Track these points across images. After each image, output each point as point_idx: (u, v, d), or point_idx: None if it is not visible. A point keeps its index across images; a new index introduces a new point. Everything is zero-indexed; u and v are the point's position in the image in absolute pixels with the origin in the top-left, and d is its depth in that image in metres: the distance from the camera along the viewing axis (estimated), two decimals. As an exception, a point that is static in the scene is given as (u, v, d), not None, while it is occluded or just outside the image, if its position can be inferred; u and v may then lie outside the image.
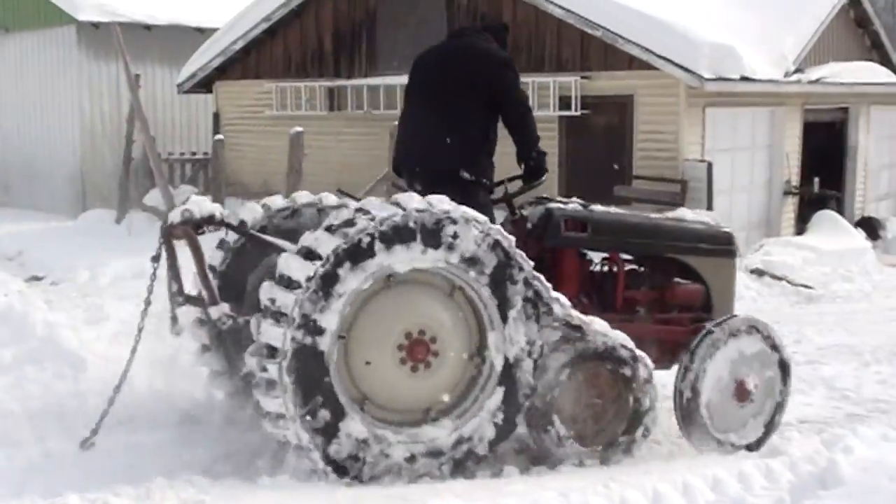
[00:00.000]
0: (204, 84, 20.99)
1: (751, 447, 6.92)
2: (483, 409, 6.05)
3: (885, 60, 21.18)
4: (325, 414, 5.66)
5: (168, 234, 6.44)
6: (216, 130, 20.50)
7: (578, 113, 15.90)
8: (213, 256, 6.84)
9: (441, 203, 5.87)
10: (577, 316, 6.27)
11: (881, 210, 20.74)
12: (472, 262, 5.90)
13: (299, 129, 15.75)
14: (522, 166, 6.99)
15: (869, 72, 19.25)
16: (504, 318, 6.04)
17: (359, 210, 5.81)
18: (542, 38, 16.29)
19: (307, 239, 5.74)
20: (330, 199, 7.11)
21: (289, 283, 5.62)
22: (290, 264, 5.66)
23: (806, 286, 14.39)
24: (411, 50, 17.57)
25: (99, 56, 22.00)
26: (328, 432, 5.69)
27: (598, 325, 6.36)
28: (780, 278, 14.42)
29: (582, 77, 15.97)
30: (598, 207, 7.25)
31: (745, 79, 15.41)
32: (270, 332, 5.61)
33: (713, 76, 14.81)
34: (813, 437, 7.01)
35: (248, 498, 5.56)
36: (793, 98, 17.64)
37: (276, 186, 16.72)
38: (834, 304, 13.86)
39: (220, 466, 6.13)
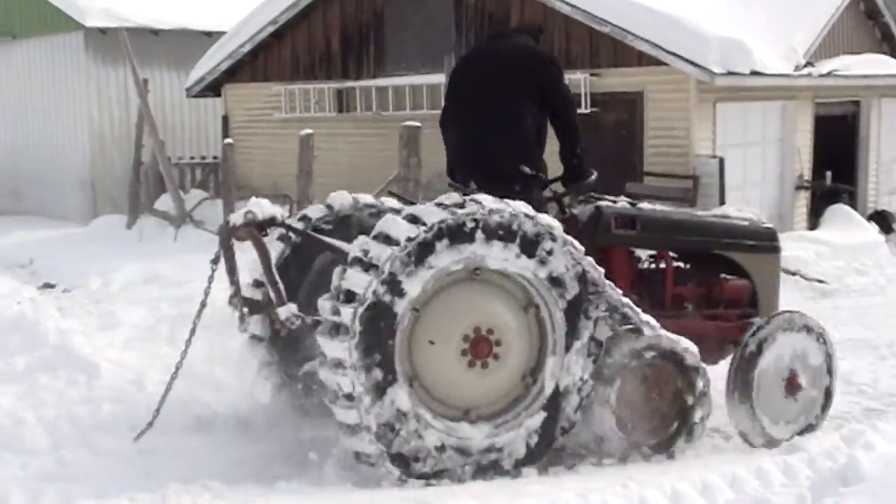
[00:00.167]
0: (212, 87, 20.96)
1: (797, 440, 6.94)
2: (521, 426, 6.08)
3: (895, 52, 21.07)
4: (378, 373, 5.69)
5: (229, 236, 6.50)
6: (225, 134, 20.49)
7: (588, 111, 15.81)
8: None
9: (547, 219, 6.03)
10: (665, 336, 6.42)
11: (894, 203, 20.63)
12: (556, 282, 6.04)
13: (309, 131, 15.72)
14: (565, 165, 7.06)
15: (880, 64, 19.14)
16: (568, 348, 6.13)
17: (471, 198, 5.93)
18: (551, 35, 16.20)
19: (416, 209, 5.90)
20: (390, 202, 7.34)
21: (387, 240, 5.68)
22: (393, 224, 5.76)
23: (820, 281, 14.32)
24: (419, 50, 17.86)
25: (107, 61, 21.98)
26: (377, 391, 5.70)
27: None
28: (793, 273, 14.33)
29: (591, 74, 15.91)
30: (646, 205, 7.39)
31: (755, 73, 15.32)
32: (355, 279, 5.65)
33: (723, 71, 14.73)
34: (831, 432, 6.94)
35: (264, 503, 5.53)
36: (804, 92, 17.54)
37: (287, 189, 16.72)
38: (848, 298, 13.79)
39: (237, 471, 6.11)
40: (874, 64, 18.92)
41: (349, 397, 5.65)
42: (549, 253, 5.97)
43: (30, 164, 23.91)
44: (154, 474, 6.01)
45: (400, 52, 18.25)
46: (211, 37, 21.77)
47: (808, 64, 16.92)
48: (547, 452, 6.15)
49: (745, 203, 16.11)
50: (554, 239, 5.98)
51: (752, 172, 16.98)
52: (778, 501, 5.27)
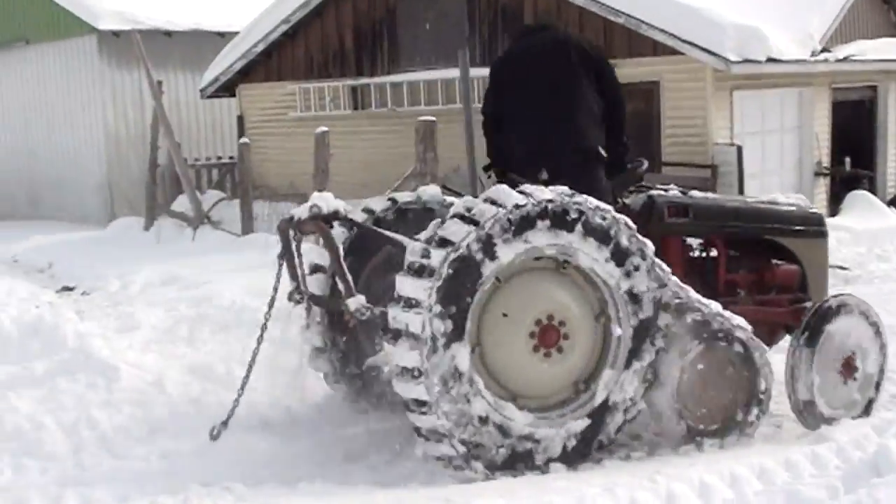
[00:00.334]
0: (227, 88, 20.97)
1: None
2: (564, 426, 6.05)
3: (911, 36, 20.93)
4: (449, 324, 5.67)
5: (294, 230, 6.56)
6: (241, 134, 20.49)
7: (604, 101, 15.72)
8: (323, 252, 6.85)
9: (643, 240, 6.11)
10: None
11: (913, 188, 20.50)
12: (635, 299, 6.11)
13: (324, 128, 15.67)
14: (614, 155, 7.08)
15: (896, 48, 19.02)
16: (626, 366, 6.16)
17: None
18: (564, 27, 16.10)
19: (526, 187, 5.94)
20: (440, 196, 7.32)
21: (493, 203, 5.77)
22: (503, 192, 5.82)
23: (842, 267, 14.18)
24: (433, 45, 17.81)
25: (121, 64, 22.01)
26: (444, 339, 5.67)
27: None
28: (815, 260, 14.23)
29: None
30: (696, 193, 7.42)
31: (771, 60, 15.21)
32: (454, 228, 5.73)
33: (739, 59, 14.64)
34: (859, 421, 6.85)
35: (286, 504, 5.49)
36: (820, 78, 17.43)
37: (304, 188, 16.67)
38: (871, 284, 13.63)
39: (259, 472, 6.06)
40: (891, 48, 18.77)
41: (415, 337, 5.62)
42: (636, 269, 6.07)
43: (46, 168, 23.97)
44: (175, 477, 5.96)
45: (414, 47, 18.21)
46: (224, 37, 21.77)
47: (825, 50, 16.81)
48: (579, 461, 6.08)
49: (763, 191, 16.02)
50: (644, 257, 6.07)
51: (770, 160, 16.89)
52: (808, 493, 5.17)
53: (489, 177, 7.40)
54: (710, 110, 15.29)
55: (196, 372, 8.00)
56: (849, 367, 6.98)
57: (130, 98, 22.29)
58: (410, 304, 5.64)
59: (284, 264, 6.63)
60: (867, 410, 7.07)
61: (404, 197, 7.21)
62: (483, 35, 17.19)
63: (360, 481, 5.91)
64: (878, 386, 7.17)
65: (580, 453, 6.09)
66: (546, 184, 6.16)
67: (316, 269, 6.84)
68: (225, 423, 6.50)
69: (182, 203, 18.55)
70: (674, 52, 15.03)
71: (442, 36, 17.68)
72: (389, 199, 7.18)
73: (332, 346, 6.97)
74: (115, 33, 21.49)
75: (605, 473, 5.88)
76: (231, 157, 21.50)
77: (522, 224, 5.76)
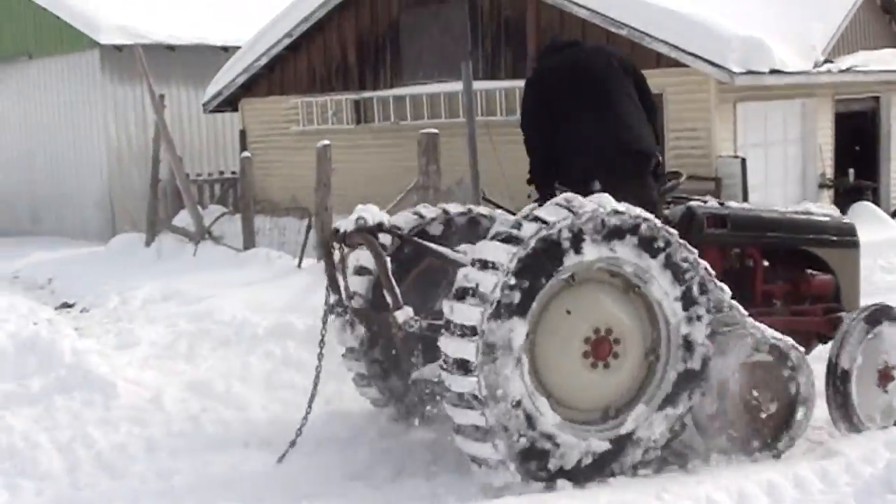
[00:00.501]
0: (229, 102, 20.95)
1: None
2: (585, 441, 5.97)
3: (913, 47, 20.88)
4: (518, 295, 5.66)
5: (339, 243, 6.58)
6: (243, 148, 20.44)
7: (608, 114, 15.66)
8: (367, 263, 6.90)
9: (715, 289, 6.23)
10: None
11: (918, 199, 20.42)
12: (688, 345, 6.14)
13: (326, 142, 15.59)
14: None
15: (899, 59, 18.98)
16: (661, 408, 6.14)
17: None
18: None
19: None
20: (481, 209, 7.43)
21: (544, 222, 5.76)
22: (550, 209, 5.83)
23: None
24: (436, 59, 17.75)
25: (123, 79, 21.98)
26: (509, 311, 5.63)
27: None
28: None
29: (610, 77, 15.74)
30: (734, 204, 7.53)
31: (774, 72, 15.17)
32: (551, 210, 5.77)
33: (743, 70, 14.60)
34: (871, 436, 6.76)
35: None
36: (823, 89, 17.40)
37: (306, 202, 16.59)
38: (877, 296, 13.54)
39: (257, 491, 5.98)
40: (893, 59, 18.76)
41: (483, 297, 5.58)
42: (699, 319, 6.14)
43: (47, 183, 23.92)
44: (173, 496, 5.88)
45: (416, 61, 18.16)
46: (227, 51, 21.77)
47: (827, 61, 16.77)
48: (586, 480, 5.95)
49: (768, 202, 15.94)
50: (709, 311, 6.18)
51: (773, 172, 16.84)
52: (819, 510, 5.11)
53: (528, 196, 7.27)
54: (713, 122, 15.24)
55: (195, 389, 7.92)
56: (886, 377, 7.02)
57: (133, 113, 22.26)
58: (487, 265, 5.63)
59: (327, 277, 6.64)
60: None
61: (454, 208, 7.25)
62: (486, 48, 17.14)
63: (361, 500, 5.83)
64: None
65: (590, 474, 5.98)
66: (605, 187, 6.22)
67: (361, 271, 6.92)
68: (293, 443, 6.46)
69: (183, 218, 18.47)
70: (677, 63, 14.98)
71: (445, 49, 17.64)
72: (440, 208, 7.23)
73: (371, 358, 6.97)
74: (118, 48, 21.47)
75: (612, 490, 5.79)
76: (233, 172, 21.43)
77: (614, 231, 5.84)
